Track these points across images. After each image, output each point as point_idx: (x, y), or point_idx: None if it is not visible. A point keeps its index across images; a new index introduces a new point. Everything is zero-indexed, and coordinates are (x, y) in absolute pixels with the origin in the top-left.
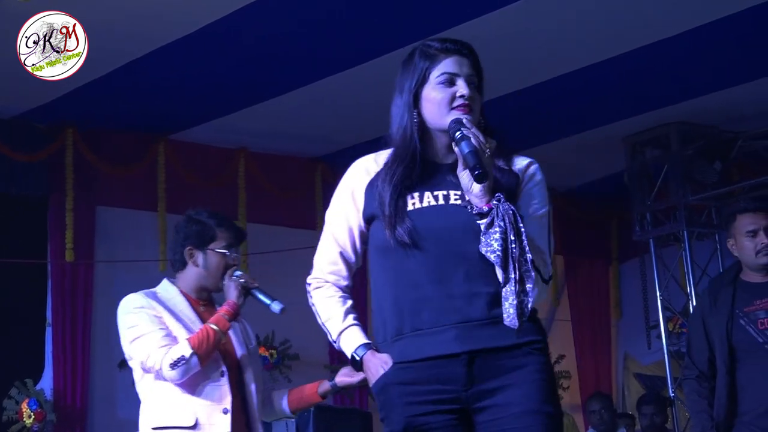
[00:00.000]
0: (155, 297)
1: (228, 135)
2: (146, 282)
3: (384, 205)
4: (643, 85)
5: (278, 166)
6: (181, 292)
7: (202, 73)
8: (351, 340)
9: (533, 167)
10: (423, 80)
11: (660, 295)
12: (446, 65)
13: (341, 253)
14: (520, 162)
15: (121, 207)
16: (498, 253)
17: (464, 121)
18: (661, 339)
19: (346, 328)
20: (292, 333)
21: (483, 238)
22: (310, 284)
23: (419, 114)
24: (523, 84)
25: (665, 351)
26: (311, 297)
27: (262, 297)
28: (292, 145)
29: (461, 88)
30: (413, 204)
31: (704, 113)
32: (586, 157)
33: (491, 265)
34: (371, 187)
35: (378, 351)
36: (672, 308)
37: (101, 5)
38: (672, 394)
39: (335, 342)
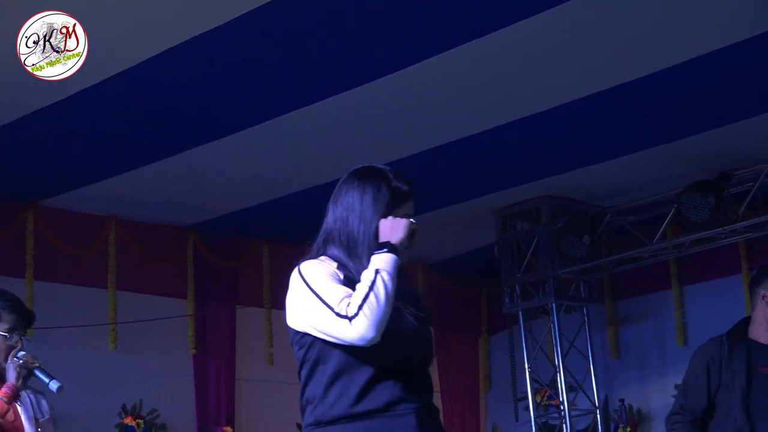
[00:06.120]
0: None
1: (98, 202)
2: None
3: None
4: (513, 158)
5: (149, 234)
6: None
7: (71, 139)
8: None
9: None
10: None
11: (528, 367)
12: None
13: None
14: None
15: None
16: None
17: None
18: (529, 411)
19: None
20: (159, 402)
21: None
22: None
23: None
24: (394, 156)
25: (533, 423)
26: None
27: (41, 376)
28: (164, 213)
29: None
30: None
31: (573, 188)
32: (457, 230)
33: None
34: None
35: None
36: (540, 380)
37: None
38: None
39: None
